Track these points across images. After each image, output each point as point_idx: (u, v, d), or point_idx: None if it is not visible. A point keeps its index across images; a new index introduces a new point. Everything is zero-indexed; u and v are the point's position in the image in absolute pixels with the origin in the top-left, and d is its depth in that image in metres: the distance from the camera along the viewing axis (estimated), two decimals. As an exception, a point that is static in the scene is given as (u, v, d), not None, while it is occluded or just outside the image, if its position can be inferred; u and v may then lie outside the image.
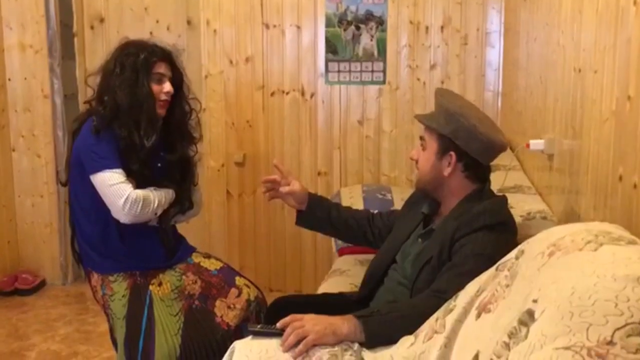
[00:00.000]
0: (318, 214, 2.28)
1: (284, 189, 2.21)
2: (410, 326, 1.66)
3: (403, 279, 1.99)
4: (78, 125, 2.32)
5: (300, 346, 1.64)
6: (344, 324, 1.69)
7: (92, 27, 4.15)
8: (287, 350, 1.66)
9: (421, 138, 2.02)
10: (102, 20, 4.14)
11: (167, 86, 2.29)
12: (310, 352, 1.67)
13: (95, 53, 4.09)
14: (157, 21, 4.08)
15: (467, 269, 1.73)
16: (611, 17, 1.63)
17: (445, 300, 1.64)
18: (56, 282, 4.23)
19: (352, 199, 3.43)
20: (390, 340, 1.68)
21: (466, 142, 1.90)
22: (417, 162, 2.03)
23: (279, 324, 1.73)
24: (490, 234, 1.81)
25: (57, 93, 4.10)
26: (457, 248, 1.83)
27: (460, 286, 1.61)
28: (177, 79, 2.37)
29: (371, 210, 2.46)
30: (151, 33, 3.98)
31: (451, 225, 1.87)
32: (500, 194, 2.08)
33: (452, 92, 2.19)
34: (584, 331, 0.95)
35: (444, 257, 1.85)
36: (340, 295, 2.27)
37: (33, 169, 4.15)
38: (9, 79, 4.09)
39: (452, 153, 1.92)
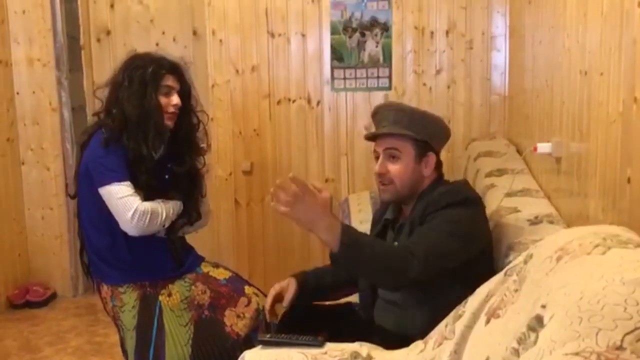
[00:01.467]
0: (308, 287, 2.20)
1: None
2: (373, 267, 1.74)
3: None
4: (87, 137, 2.33)
5: (281, 207, 1.68)
6: (329, 232, 1.71)
7: (98, 40, 4.18)
8: (274, 200, 1.70)
9: (389, 149, 2.01)
10: (108, 33, 4.17)
11: (175, 99, 2.30)
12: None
13: (102, 65, 4.11)
14: (163, 32, 4.10)
15: (435, 230, 1.83)
16: (616, 19, 1.63)
17: (410, 253, 1.72)
18: (67, 294, 4.24)
19: (360, 205, 3.43)
20: (351, 264, 1.78)
21: (439, 141, 2.06)
22: (384, 175, 2.02)
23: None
24: (457, 208, 1.89)
25: (65, 106, 4.12)
26: (427, 220, 1.89)
27: (427, 241, 1.76)
28: (185, 91, 2.38)
29: None
30: (157, 44, 4.00)
31: (420, 209, 1.95)
32: (461, 178, 2.21)
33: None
34: (593, 336, 0.94)
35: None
36: (348, 304, 2.27)
37: (42, 182, 4.17)
38: (18, 93, 4.11)
39: (431, 154, 2.03)
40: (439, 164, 2.07)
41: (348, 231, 1.74)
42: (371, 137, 2.09)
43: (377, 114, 2.09)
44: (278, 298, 2.12)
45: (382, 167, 2.02)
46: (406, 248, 1.78)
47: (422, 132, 1.99)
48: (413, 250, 1.75)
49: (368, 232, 2.59)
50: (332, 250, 1.72)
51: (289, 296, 2.09)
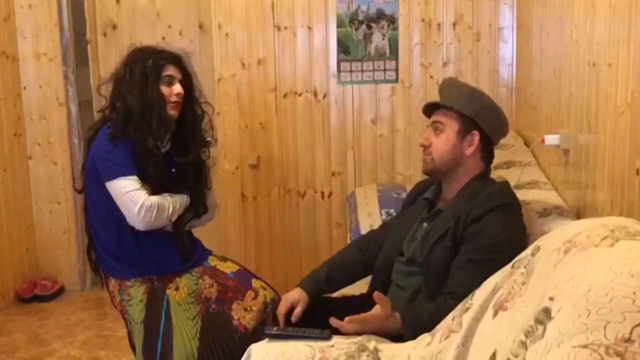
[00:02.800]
0: (320, 294, 2.19)
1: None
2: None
3: (412, 266, 2.01)
4: (93, 132, 2.33)
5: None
6: (390, 329, 1.80)
7: (104, 34, 4.18)
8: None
9: (435, 122, 2.05)
10: (114, 27, 4.17)
11: (177, 88, 2.30)
12: (326, 353, 1.67)
13: (108, 59, 4.11)
14: (169, 26, 4.10)
15: (484, 265, 1.77)
16: (624, 9, 1.61)
17: (459, 300, 1.66)
18: (75, 287, 4.26)
19: (367, 198, 3.42)
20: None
21: (487, 121, 2.01)
22: (427, 147, 2.05)
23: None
24: (503, 216, 1.88)
25: (72, 100, 4.14)
26: (471, 233, 1.87)
27: (473, 281, 1.67)
28: (188, 82, 2.37)
29: (361, 234, 2.45)
30: (163, 38, 4.00)
31: (463, 205, 1.93)
32: (502, 179, 2.17)
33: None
34: (601, 329, 0.93)
35: (457, 238, 1.90)
36: (351, 296, 2.27)
37: (50, 177, 4.19)
38: (25, 88, 4.13)
39: (476, 132, 2.01)
40: (485, 148, 2.04)
41: (409, 318, 1.82)
42: (427, 112, 2.12)
43: (440, 86, 2.14)
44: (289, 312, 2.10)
45: (425, 139, 2.07)
46: (454, 295, 1.79)
47: (468, 108, 1.99)
48: (460, 293, 1.74)
49: (376, 226, 2.59)
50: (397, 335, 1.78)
51: (297, 313, 2.07)
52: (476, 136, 2.00)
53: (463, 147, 2.01)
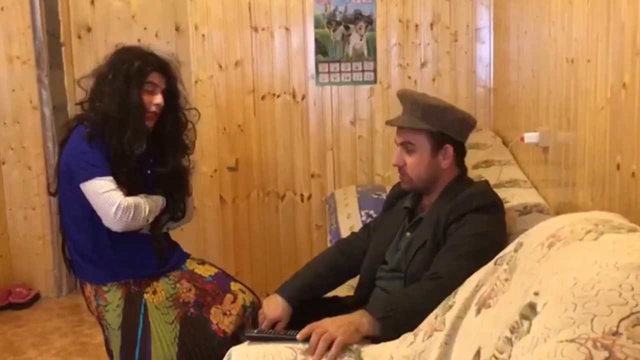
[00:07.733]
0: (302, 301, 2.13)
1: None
2: (420, 317, 1.65)
3: (396, 273, 1.99)
4: (67, 133, 2.28)
5: (333, 349, 1.65)
6: (363, 319, 1.71)
7: (79, 37, 4.12)
8: (319, 358, 1.64)
9: (405, 143, 1.99)
10: (89, 30, 4.11)
11: (158, 98, 2.24)
12: (308, 355, 1.64)
13: (83, 62, 4.06)
14: (145, 28, 4.05)
15: (464, 251, 1.78)
16: (603, 5, 1.61)
17: (445, 283, 1.66)
18: (50, 294, 4.18)
19: (347, 200, 3.40)
20: (403, 327, 1.69)
21: (457, 131, 1.98)
22: (401, 167, 2.02)
23: (299, 336, 1.72)
24: (484, 215, 1.86)
25: (46, 104, 4.06)
26: (453, 230, 1.86)
27: (459, 269, 1.67)
28: (172, 90, 2.33)
29: (342, 236, 2.43)
30: (139, 40, 3.94)
31: (443, 209, 1.91)
32: (482, 178, 2.17)
33: (413, 90, 2.30)
34: (588, 322, 0.92)
35: (438, 239, 1.89)
36: (336, 298, 2.24)
37: (24, 182, 4.11)
38: (-3, 91, 4.05)
39: (448, 145, 1.97)
40: (460, 155, 2.02)
41: (374, 306, 1.76)
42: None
43: (400, 98, 2.07)
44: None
45: (398, 160, 2.02)
46: (434, 275, 1.77)
47: (437, 123, 1.93)
48: (444, 278, 1.72)
49: (356, 227, 2.57)
50: (380, 334, 1.70)
51: (282, 325, 2.01)
52: (449, 149, 1.97)
53: (438, 162, 1.98)
